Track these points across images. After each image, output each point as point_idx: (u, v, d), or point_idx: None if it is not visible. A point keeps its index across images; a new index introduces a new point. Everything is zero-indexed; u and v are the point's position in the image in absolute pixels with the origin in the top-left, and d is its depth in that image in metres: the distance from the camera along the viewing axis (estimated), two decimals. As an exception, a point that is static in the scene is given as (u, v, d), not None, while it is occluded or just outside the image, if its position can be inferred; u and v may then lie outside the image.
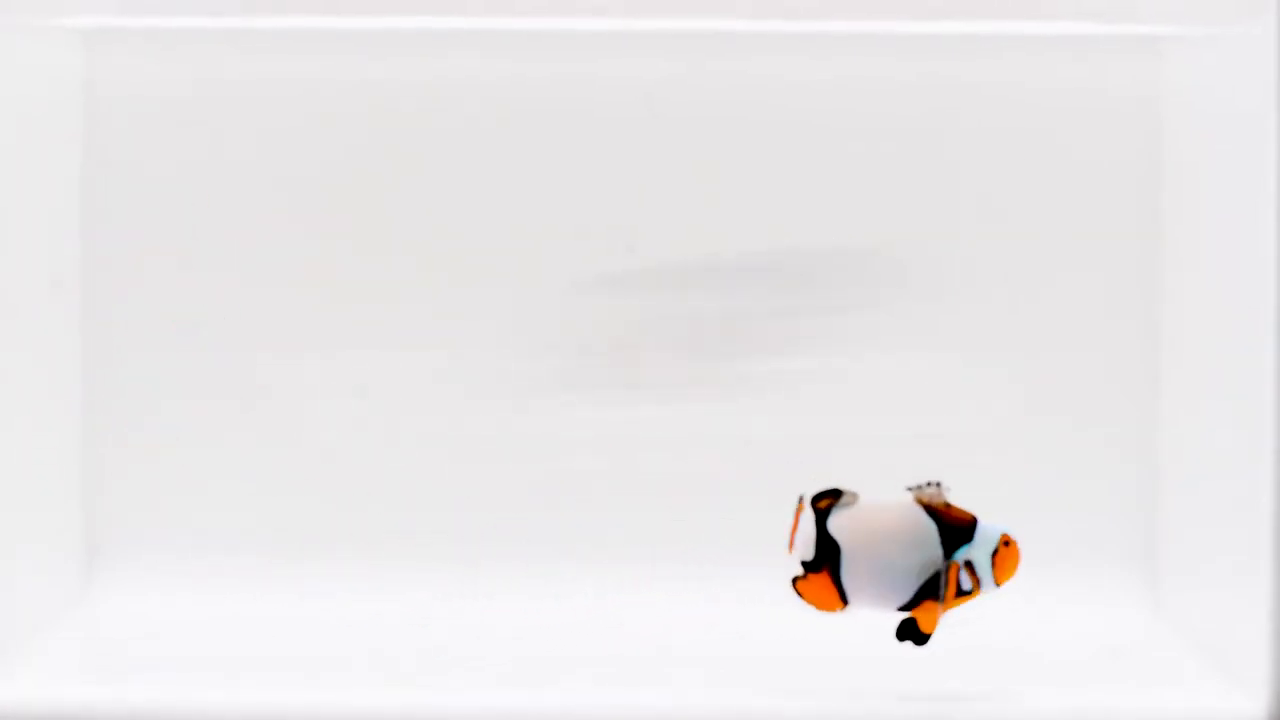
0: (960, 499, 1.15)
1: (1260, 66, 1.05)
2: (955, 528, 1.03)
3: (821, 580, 1.03)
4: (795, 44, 1.18)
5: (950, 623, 1.04)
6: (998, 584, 1.03)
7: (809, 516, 1.03)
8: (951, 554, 1.03)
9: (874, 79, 1.19)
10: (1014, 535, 1.03)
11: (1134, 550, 1.19)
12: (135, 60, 1.19)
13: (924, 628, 1.03)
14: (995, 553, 1.03)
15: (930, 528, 1.03)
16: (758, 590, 1.18)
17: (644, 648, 1.13)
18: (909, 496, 1.03)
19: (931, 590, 1.03)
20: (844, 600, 1.03)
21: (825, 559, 1.03)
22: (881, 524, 1.03)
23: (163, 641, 1.13)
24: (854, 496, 1.03)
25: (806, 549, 1.03)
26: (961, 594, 1.03)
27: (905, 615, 1.03)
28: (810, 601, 1.03)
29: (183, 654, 1.11)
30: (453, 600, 1.18)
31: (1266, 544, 1.03)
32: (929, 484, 1.03)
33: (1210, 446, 1.12)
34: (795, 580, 1.04)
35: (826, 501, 1.04)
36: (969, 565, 1.03)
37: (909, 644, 1.04)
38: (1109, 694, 1.06)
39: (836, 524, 1.03)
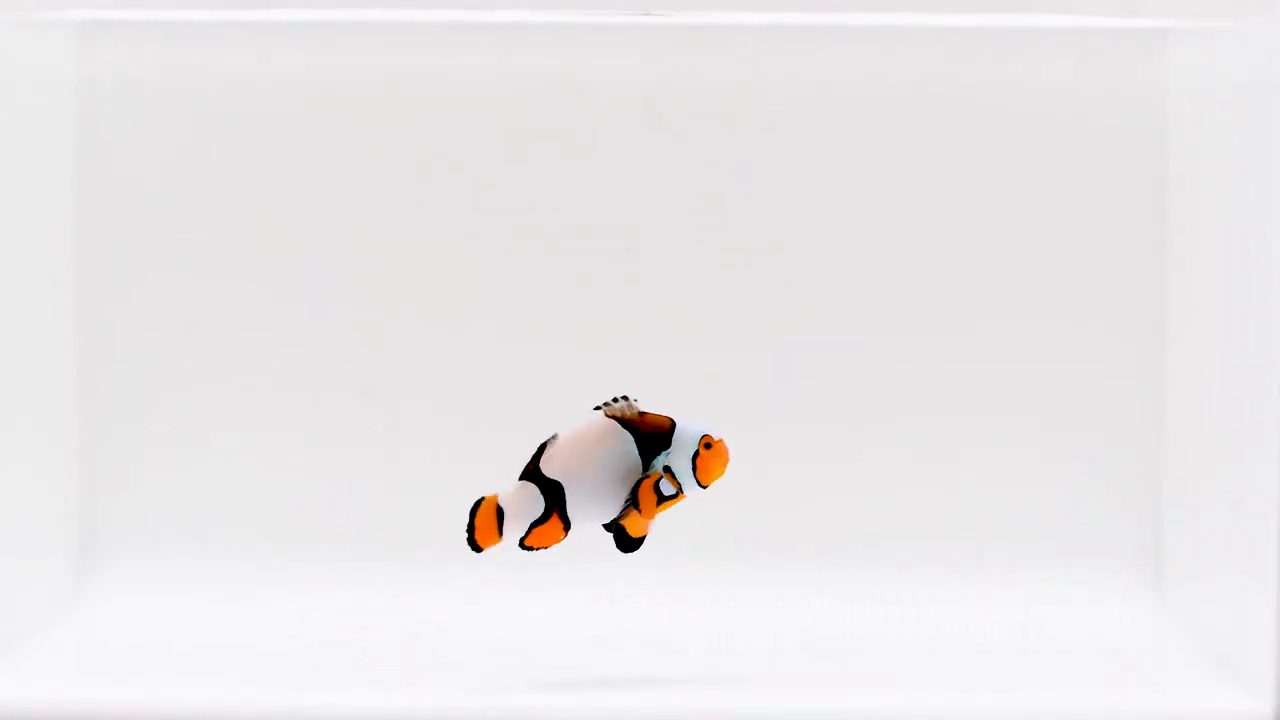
0: (961, 497, 1.16)
1: (1268, 61, 1.05)
2: (652, 436, 1.04)
3: (552, 525, 1.04)
4: (792, 41, 1.18)
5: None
6: (702, 485, 1.04)
7: (521, 486, 1.04)
8: (650, 462, 1.04)
9: (872, 74, 1.19)
10: (717, 436, 1.04)
11: (1138, 549, 1.19)
12: (131, 54, 1.18)
13: (632, 533, 1.04)
14: (696, 455, 1.04)
15: (627, 440, 1.04)
16: (759, 589, 1.19)
17: (644, 647, 1.13)
18: (600, 415, 1.04)
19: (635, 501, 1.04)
20: (566, 530, 1.04)
21: (553, 503, 1.04)
22: (586, 449, 1.04)
23: (159, 641, 1.13)
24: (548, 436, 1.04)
25: (534, 508, 1.04)
26: (664, 499, 1.04)
27: (619, 527, 1.05)
28: (541, 546, 1.04)
29: (180, 653, 1.11)
30: (455, 600, 1.18)
31: (1272, 542, 1.03)
32: (618, 398, 1.04)
33: (1215, 444, 1.12)
34: (523, 542, 1.04)
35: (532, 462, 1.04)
36: (668, 470, 1.04)
37: (628, 552, 1.04)
38: (1112, 694, 1.05)
39: (549, 466, 1.04)
